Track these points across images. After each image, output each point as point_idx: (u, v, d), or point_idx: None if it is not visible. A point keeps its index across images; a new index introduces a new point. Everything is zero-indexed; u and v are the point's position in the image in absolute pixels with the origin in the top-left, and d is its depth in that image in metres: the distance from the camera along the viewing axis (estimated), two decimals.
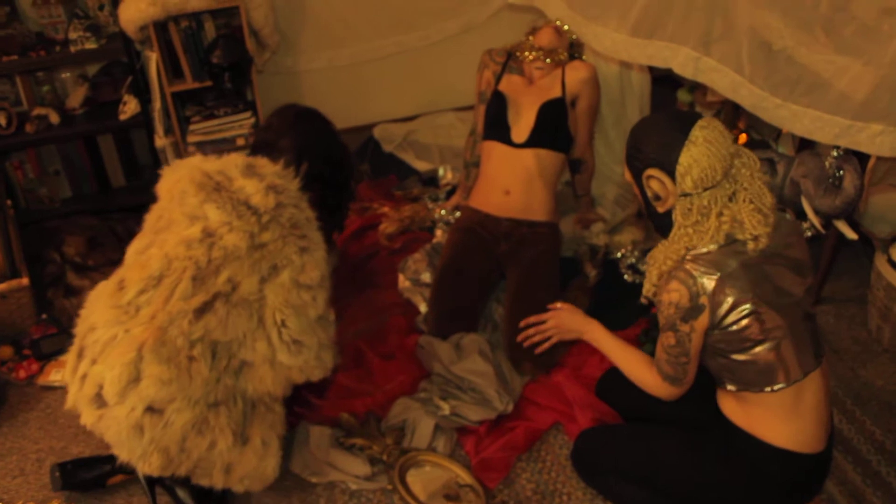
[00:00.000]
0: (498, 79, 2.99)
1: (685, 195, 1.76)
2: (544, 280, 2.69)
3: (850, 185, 2.48)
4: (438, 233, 3.18)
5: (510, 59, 3.02)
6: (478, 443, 2.30)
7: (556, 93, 2.86)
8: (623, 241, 3.10)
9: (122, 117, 3.32)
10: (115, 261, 2.92)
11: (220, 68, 3.26)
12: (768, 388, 1.79)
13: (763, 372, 1.79)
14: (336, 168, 2.38)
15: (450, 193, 3.46)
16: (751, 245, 1.75)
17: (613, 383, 2.31)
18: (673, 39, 2.58)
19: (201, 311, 1.86)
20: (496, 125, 2.91)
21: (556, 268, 2.77)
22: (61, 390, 2.58)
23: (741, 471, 1.88)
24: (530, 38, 3.01)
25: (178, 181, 2.01)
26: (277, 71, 3.89)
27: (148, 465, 1.83)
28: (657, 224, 1.91)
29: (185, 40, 3.24)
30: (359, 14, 3.89)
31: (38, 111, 3.30)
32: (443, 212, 3.30)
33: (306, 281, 1.98)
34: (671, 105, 3.51)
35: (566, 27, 3.03)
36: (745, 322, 1.74)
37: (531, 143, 2.84)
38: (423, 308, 2.80)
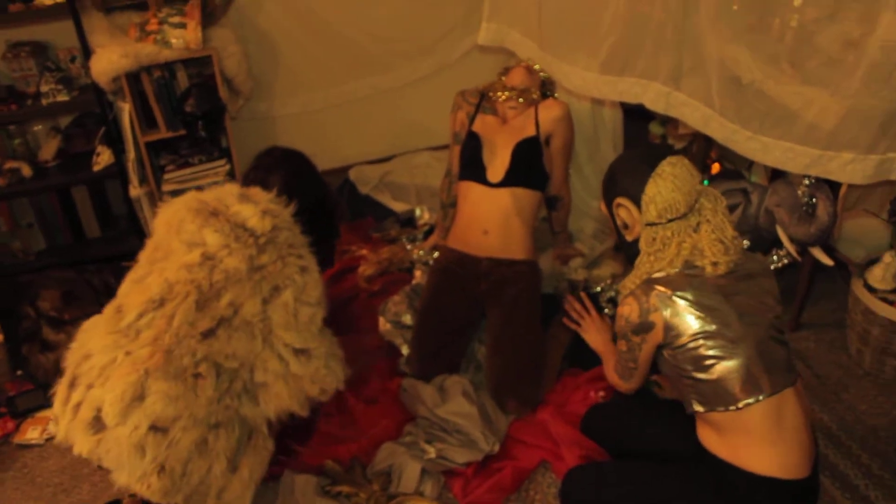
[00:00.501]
0: (472, 119, 3.01)
1: (651, 224, 1.89)
2: (527, 319, 2.68)
3: (823, 212, 2.52)
4: (417, 273, 3.17)
5: (483, 100, 3.05)
6: (465, 485, 2.28)
7: (530, 131, 2.88)
8: (602, 274, 3.10)
9: (96, 168, 3.30)
10: (92, 314, 2.91)
11: (193, 117, 3.26)
12: (735, 406, 1.80)
13: (728, 390, 1.80)
14: (321, 203, 2.47)
15: (427, 233, 3.46)
16: (709, 269, 1.86)
17: (598, 419, 2.34)
18: (643, 75, 2.62)
19: (206, 335, 1.88)
20: (471, 165, 2.92)
21: (537, 305, 2.77)
22: (38, 448, 2.54)
23: (731, 502, 1.87)
24: (503, 78, 3.05)
25: (175, 212, 2.07)
26: (252, 117, 3.89)
27: (148, 488, 1.79)
28: (626, 253, 2.05)
29: (158, 90, 3.24)
30: (331, 58, 3.92)
31: (10, 164, 3.27)
32: (421, 252, 3.29)
33: (308, 299, 2.06)
34: (644, 138, 3.55)
35: (537, 66, 3.07)
36: (701, 341, 1.81)
37: (507, 182, 2.85)
38: (404, 350, 2.78)
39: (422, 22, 3.96)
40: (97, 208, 3.57)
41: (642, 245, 1.94)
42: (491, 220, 2.84)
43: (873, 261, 2.64)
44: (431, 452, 2.32)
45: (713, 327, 1.81)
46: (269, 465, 2.24)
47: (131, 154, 3.29)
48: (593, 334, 2.50)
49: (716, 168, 3.27)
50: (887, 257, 2.57)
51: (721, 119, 2.44)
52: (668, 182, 1.85)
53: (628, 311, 1.92)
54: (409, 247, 3.37)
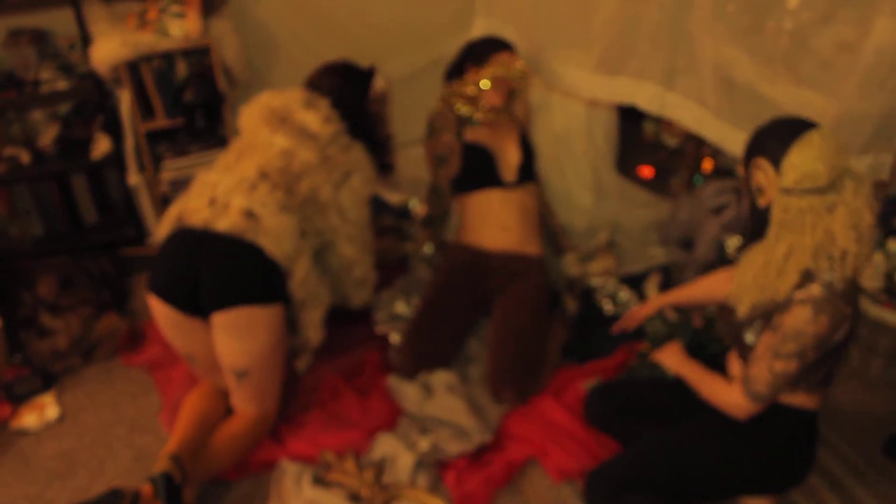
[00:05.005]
0: (460, 136, 2.95)
1: (785, 191, 1.77)
2: (533, 311, 2.71)
3: None
4: (419, 268, 3.18)
5: (464, 123, 2.97)
6: (458, 476, 2.30)
7: (516, 129, 2.97)
8: (595, 269, 3.13)
9: (94, 155, 3.31)
10: (89, 300, 2.94)
11: (192, 106, 3.27)
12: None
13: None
14: (362, 119, 2.65)
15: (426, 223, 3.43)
16: (838, 272, 1.77)
17: (601, 400, 2.33)
18: (637, 75, 2.63)
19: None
20: (483, 173, 2.92)
21: (546, 299, 2.80)
22: (34, 436, 2.56)
23: (771, 440, 1.96)
24: (481, 102, 2.89)
25: (251, 118, 2.47)
26: None
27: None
28: (754, 223, 1.91)
29: (157, 79, 3.25)
30: (329, 49, 3.88)
31: (8, 151, 3.28)
32: (420, 248, 3.28)
33: (370, 185, 2.54)
34: (638, 136, 3.57)
35: (511, 72, 2.92)
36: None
37: (521, 179, 2.92)
38: (394, 339, 2.81)
39: (418, 15, 3.97)
40: (95, 195, 3.59)
41: (775, 213, 1.81)
42: (511, 217, 2.89)
43: None
44: (425, 443, 2.34)
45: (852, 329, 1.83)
46: (263, 454, 2.33)
47: (130, 142, 3.30)
48: (672, 357, 2.23)
49: (709, 163, 3.30)
50: (876, 257, 2.59)
51: (715, 120, 2.46)
52: (815, 150, 1.72)
53: (815, 326, 1.76)
54: (403, 242, 3.38)
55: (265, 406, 2.35)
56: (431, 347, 2.67)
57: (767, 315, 1.84)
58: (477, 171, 2.93)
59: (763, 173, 1.81)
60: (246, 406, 2.34)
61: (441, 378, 2.58)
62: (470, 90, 2.88)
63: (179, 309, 2.19)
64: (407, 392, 2.54)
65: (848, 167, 1.77)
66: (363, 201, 2.54)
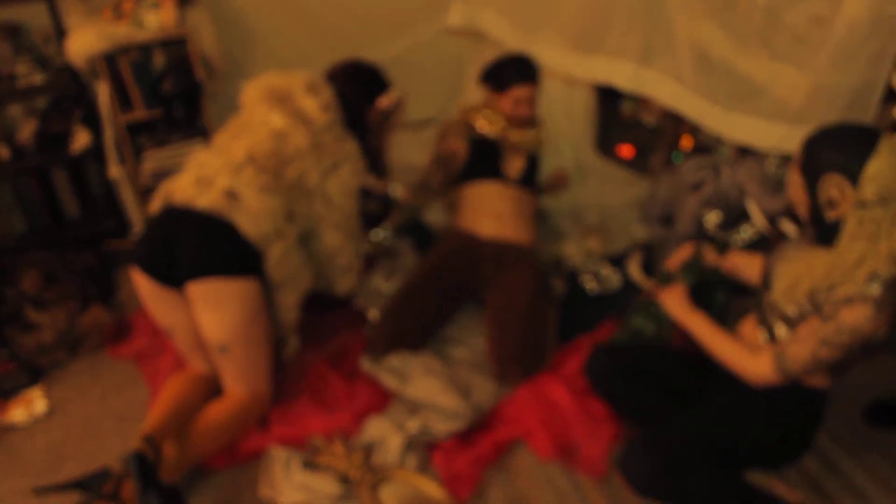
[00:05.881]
0: (471, 136, 3.05)
1: (860, 204, 1.75)
2: (533, 293, 2.73)
3: None
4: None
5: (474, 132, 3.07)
6: (447, 457, 2.32)
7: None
8: (578, 250, 3.16)
9: (73, 149, 3.30)
10: (74, 293, 2.93)
11: (170, 97, 3.26)
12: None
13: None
14: (357, 116, 2.63)
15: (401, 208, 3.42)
16: None
17: (604, 362, 2.29)
18: (614, 53, 2.65)
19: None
20: (487, 165, 3.01)
21: (541, 283, 2.82)
22: (24, 430, 2.56)
23: (789, 417, 2.00)
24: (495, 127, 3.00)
25: (252, 95, 2.49)
26: (230, 96, 3.88)
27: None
28: (820, 232, 1.89)
29: (135, 71, 3.24)
30: (308, 37, 3.91)
31: None
32: (381, 234, 3.22)
33: (359, 177, 2.54)
34: (617, 114, 3.60)
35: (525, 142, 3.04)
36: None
37: (522, 182, 3.02)
38: (374, 315, 2.84)
39: (393, 2, 3.97)
40: (76, 189, 3.57)
41: (851, 227, 1.78)
42: (505, 207, 2.96)
43: None
44: (414, 425, 2.37)
45: None
46: (252, 441, 2.35)
47: (109, 134, 3.29)
48: (675, 301, 2.23)
49: (688, 141, 3.32)
50: None
51: (692, 97, 2.49)
52: (891, 160, 1.71)
53: (872, 324, 1.78)
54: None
55: (254, 386, 2.36)
56: (406, 328, 2.68)
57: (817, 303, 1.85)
58: (482, 161, 3.00)
59: (837, 188, 1.78)
60: (235, 385, 2.35)
61: (419, 362, 2.59)
62: (480, 122, 3.00)
63: (158, 280, 2.25)
64: (381, 377, 2.56)
65: None
66: (350, 192, 2.54)
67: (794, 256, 1.96)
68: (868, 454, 2.33)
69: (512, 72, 2.90)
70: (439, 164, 3.07)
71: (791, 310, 1.89)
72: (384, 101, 2.71)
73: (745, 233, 2.77)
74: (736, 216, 2.77)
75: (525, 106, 2.92)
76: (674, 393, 2.19)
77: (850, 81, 2.21)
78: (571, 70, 2.84)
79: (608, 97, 3.52)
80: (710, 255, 2.36)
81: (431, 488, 2.21)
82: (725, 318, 2.25)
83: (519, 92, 2.89)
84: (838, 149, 1.78)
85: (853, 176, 1.74)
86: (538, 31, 2.94)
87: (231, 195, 2.23)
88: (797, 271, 1.90)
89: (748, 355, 1.98)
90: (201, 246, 2.20)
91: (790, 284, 1.90)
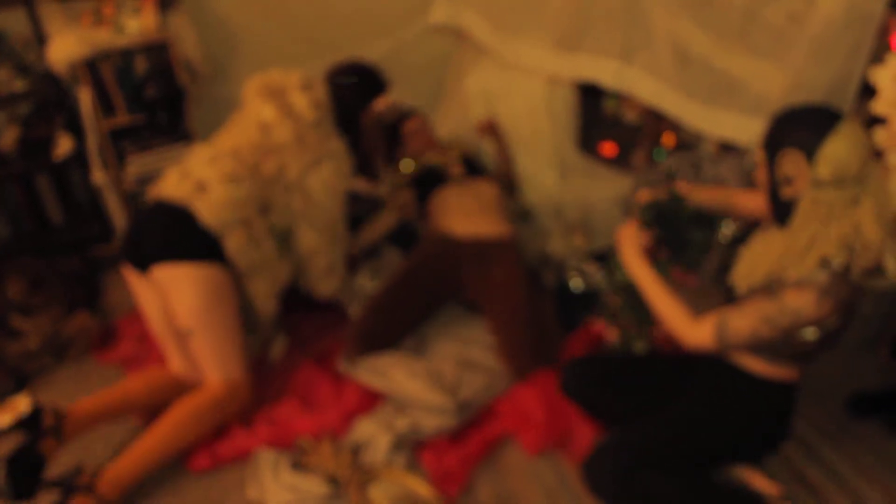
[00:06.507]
0: (405, 182, 3.25)
1: (816, 184, 1.75)
2: (526, 288, 2.76)
3: None
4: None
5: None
6: (435, 455, 2.34)
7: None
8: (563, 247, 3.18)
9: (56, 155, 3.29)
10: (60, 299, 2.92)
11: (153, 102, 3.26)
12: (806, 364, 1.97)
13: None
14: (350, 116, 2.71)
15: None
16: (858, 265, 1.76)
17: (578, 374, 2.29)
18: (595, 52, 2.67)
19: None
20: (436, 180, 3.18)
21: (525, 274, 2.84)
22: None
23: (758, 412, 2.03)
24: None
25: (250, 89, 2.57)
26: (213, 100, 3.88)
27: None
28: (777, 209, 1.89)
29: (117, 76, 3.23)
30: (290, 39, 3.91)
31: None
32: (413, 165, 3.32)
33: (343, 178, 2.59)
34: (599, 112, 3.61)
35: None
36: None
37: (469, 174, 3.16)
38: (354, 312, 2.87)
39: (377, 3, 3.98)
40: (60, 195, 3.56)
41: (804, 205, 1.77)
42: (469, 203, 3.04)
43: None
44: (402, 424, 2.37)
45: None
46: (238, 443, 2.35)
47: (92, 140, 3.28)
48: (628, 245, 2.18)
49: (669, 137, 3.34)
50: None
51: (673, 94, 2.51)
52: (849, 142, 1.70)
53: (815, 310, 1.77)
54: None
55: (226, 372, 2.37)
56: (383, 330, 2.69)
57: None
58: (430, 182, 3.16)
59: (794, 165, 1.77)
60: (210, 373, 2.37)
61: (394, 360, 2.60)
62: (401, 169, 3.27)
63: (135, 268, 2.34)
64: (360, 377, 2.57)
65: (873, 160, 1.78)
66: (333, 191, 2.56)
67: (755, 240, 1.97)
68: (851, 444, 2.36)
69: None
70: (400, 210, 3.22)
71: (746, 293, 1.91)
72: (380, 104, 2.73)
73: (728, 228, 2.79)
74: (715, 213, 2.79)
75: (418, 135, 3.29)
76: (652, 398, 2.18)
77: (826, 76, 2.23)
78: (555, 68, 2.85)
79: (590, 95, 3.53)
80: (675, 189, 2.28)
81: (420, 486, 2.22)
82: (716, 258, 2.22)
83: (407, 127, 3.30)
84: (800, 126, 1.77)
85: (811, 153, 1.74)
86: (520, 29, 2.95)
87: (199, 186, 2.31)
88: (754, 255, 1.92)
89: (689, 319, 1.96)
90: (161, 231, 2.30)
91: (748, 268, 1.92)
